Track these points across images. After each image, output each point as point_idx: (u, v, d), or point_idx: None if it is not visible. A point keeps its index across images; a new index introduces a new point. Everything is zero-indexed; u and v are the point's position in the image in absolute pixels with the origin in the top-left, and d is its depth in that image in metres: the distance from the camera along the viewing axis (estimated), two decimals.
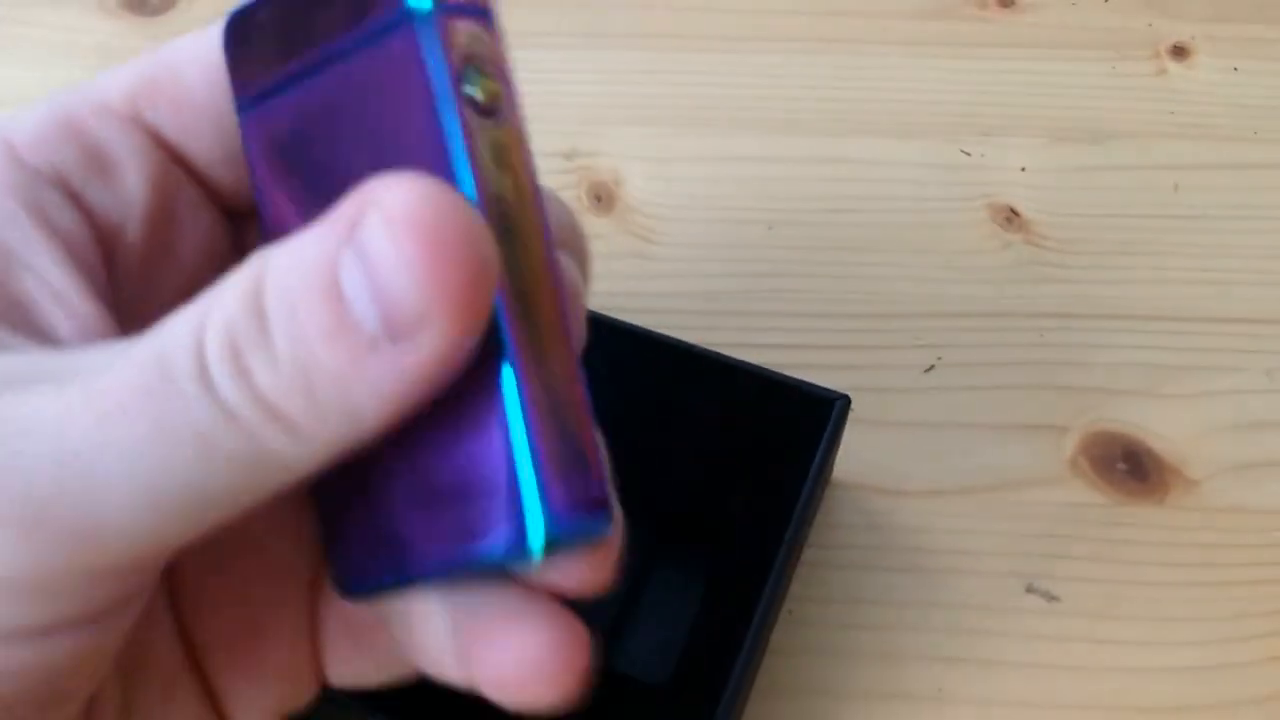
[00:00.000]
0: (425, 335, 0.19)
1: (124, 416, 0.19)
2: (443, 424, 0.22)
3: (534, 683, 0.22)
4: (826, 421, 0.41)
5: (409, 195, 0.19)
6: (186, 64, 0.25)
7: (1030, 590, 0.43)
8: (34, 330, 0.22)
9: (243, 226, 0.27)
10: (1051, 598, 0.43)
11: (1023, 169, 0.52)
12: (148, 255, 0.25)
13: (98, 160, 0.24)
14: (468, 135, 0.21)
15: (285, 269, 0.19)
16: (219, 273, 0.21)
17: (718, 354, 0.42)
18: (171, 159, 0.26)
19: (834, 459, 0.43)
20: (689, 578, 0.41)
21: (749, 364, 0.42)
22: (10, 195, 0.23)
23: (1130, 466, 0.46)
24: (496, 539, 0.21)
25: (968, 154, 0.53)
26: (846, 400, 0.42)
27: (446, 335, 0.19)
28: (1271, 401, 0.48)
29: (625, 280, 0.49)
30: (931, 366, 0.48)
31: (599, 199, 0.52)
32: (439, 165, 0.21)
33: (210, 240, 0.26)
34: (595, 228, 0.51)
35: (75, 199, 0.24)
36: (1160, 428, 0.47)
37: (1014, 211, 0.51)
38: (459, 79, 0.21)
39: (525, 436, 0.21)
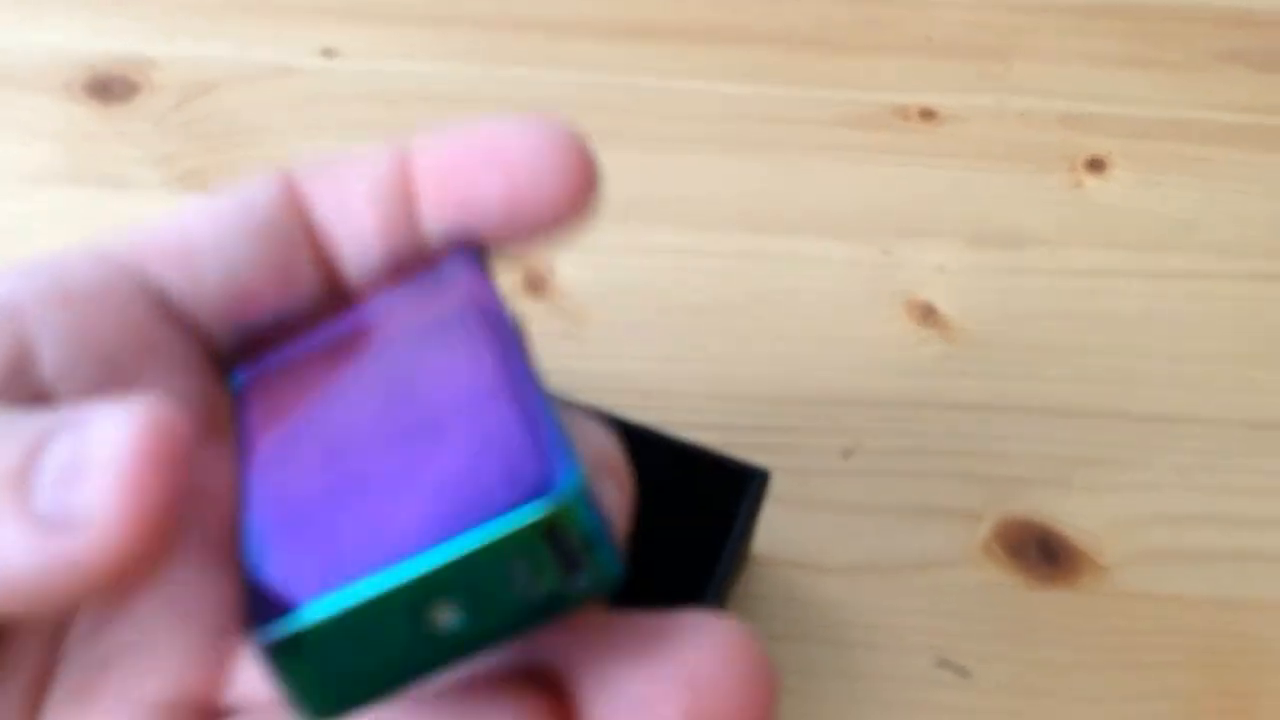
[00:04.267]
0: (87, 537, 0.18)
1: None
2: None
3: None
4: (746, 494, 0.43)
5: (145, 420, 0.18)
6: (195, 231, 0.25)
7: (942, 665, 0.44)
8: None
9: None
10: (963, 673, 0.44)
11: (941, 269, 0.54)
12: None
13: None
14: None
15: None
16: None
17: (639, 425, 0.43)
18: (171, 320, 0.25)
19: (753, 533, 0.44)
20: None
21: (670, 437, 0.43)
22: None
23: (1042, 552, 0.47)
24: (521, 485, 0.19)
25: (888, 253, 0.55)
26: (765, 474, 0.43)
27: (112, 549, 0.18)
28: (1180, 496, 0.49)
29: (555, 359, 0.51)
30: (851, 451, 0.49)
31: (531, 285, 0.53)
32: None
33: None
34: (528, 310, 0.52)
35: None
36: (1072, 517, 0.48)
37: (932, 308, 0.53)
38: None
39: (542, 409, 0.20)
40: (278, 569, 0.19)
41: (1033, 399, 0.51)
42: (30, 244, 0.53)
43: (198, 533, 0.23)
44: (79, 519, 0.18)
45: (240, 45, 0.60)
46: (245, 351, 0.25)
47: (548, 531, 0.18)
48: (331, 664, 0.18)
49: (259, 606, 0.19)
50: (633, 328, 0.52)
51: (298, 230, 0.25)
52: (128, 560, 0.18)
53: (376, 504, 0.19)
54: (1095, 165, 0.59)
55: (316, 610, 0.18)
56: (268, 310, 0.25)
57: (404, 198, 0.25)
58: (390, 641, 0.18)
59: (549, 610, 0.19)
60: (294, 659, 0.18)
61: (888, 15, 0.63)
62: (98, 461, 0.18)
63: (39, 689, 0.22)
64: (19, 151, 0.57)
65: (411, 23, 0.61)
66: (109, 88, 0.58)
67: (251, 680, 0.22)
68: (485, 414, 0.20)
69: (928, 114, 0.59)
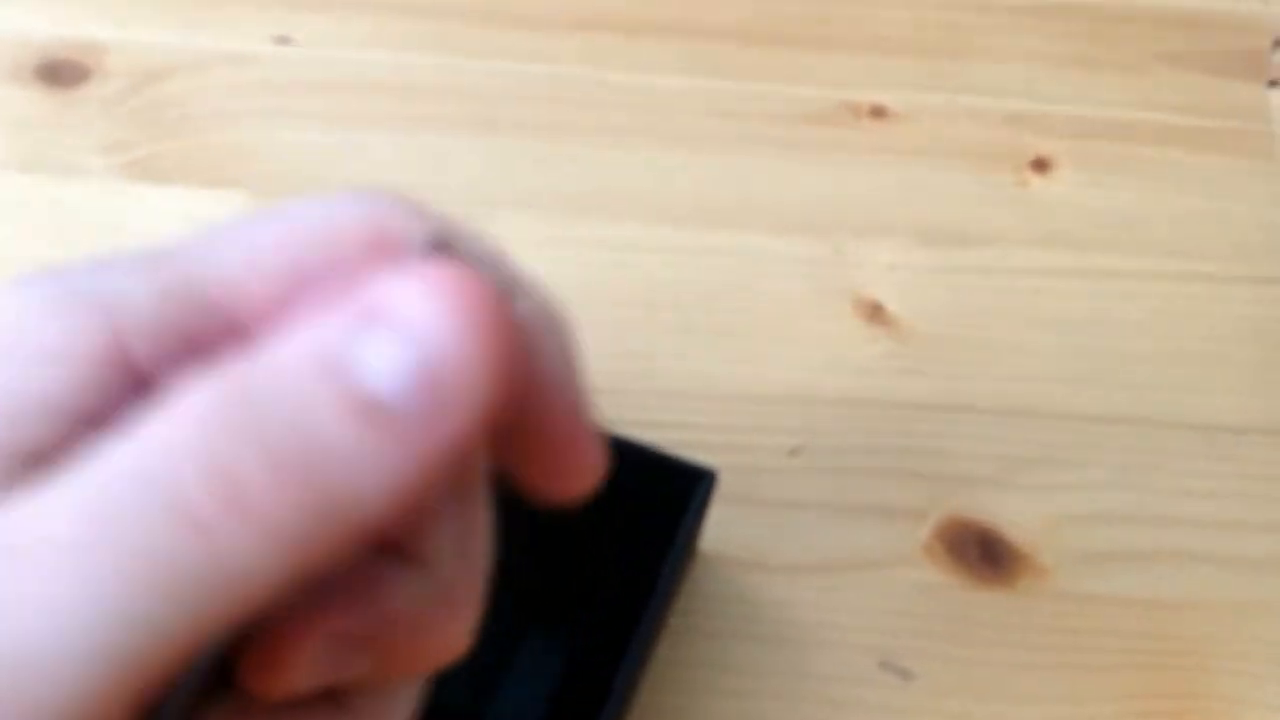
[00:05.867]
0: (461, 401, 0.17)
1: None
2: None
3: None
4: (694, 495, 0.43)
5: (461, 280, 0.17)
6: None
7: (885, 666, 0.45)
8: None
9: None
10: (905, 675, 0.45)
11: (889, 267, 0.55)
12: None
13: None
14: None
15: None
16: None
17: None
18: None
19: (700, 532, 0.44)
20: (556, 645, 0.43)
21: (620, 437, 0.44)
22: None
23: (983, 552, 0.48)
24: None
25: (837, 251, 0.55)
26: (713, 475, 0.43)
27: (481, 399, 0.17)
28: (1120, 496, 0.50)
29: None
30: (798, 450, 0.50)
31: None
32: None
33: None
34: None
35: None
36: (1013, 516, 0.49)
37: (880, 307, 0.54)
38: None
39: None
40: None
41: (978, 398, 0.52)
42: None
43: None
44: (439, 403, 0.17)
45: (193, 32, 0.59)
46: None
47: None
48: None
49: None
50: (583, 323, 0.52)
51: None
52: (482, 429, 0.18)
53: None
54: (1040, 165, 0.59)
55: None
56: None
57: None
58: None
59: None
60: None
61: (839, 12, 0.63)
62: (435, 337, 0.17)
63: None
64: None
65: (366, 11, 0.61)
66: (58, 73, 0.57)
67: None
68: None
69: (878, 112, 0.60)
